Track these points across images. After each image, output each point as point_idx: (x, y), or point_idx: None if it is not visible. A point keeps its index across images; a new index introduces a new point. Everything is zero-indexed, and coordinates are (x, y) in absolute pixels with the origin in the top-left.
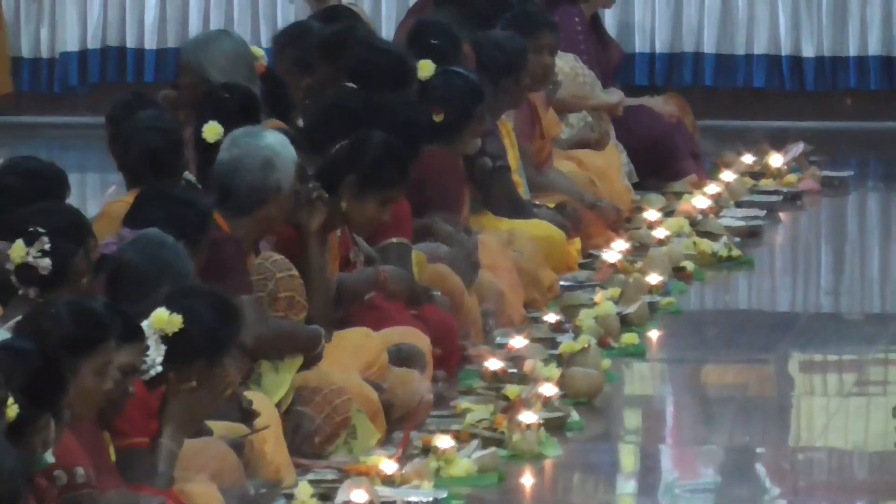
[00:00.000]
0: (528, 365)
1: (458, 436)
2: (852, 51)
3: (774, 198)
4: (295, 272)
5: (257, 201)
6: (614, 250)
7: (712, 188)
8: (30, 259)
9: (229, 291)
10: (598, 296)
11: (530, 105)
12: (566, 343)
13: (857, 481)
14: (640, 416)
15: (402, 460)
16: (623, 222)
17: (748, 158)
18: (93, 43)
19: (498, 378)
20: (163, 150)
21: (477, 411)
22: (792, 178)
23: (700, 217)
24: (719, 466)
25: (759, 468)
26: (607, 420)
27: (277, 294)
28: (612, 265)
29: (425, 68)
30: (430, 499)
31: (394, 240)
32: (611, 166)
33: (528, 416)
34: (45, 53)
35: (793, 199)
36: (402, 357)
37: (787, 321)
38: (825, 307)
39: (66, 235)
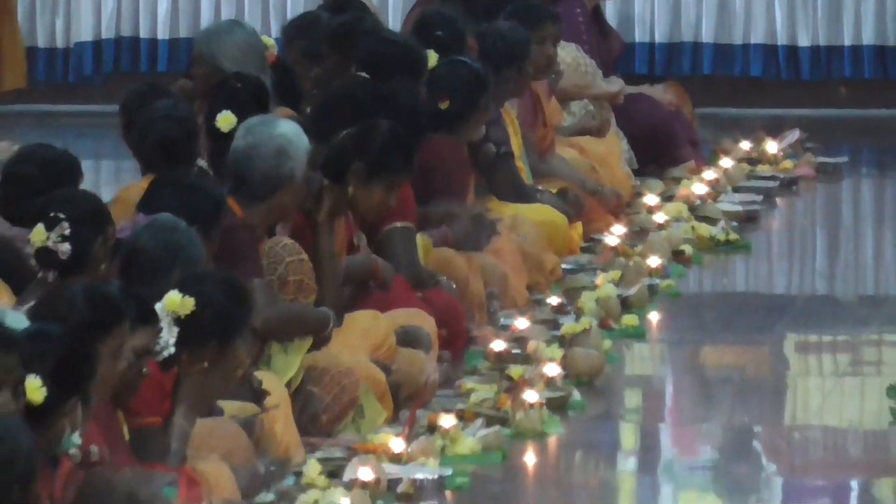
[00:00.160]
0: (531, 346)
1: (462, 415)
2: (847, 41)
3: (771, 183)
4: (304, 256)
5: (271, 188)
6: (615, 234)
7: (710, 174)
8: (50, 243)
9: (241, 275)
10: (599, 279)
11: (533, 94)
12: (568, 325)
13: (852, 459)
14: (640, 395)
15: (409, 439)
16: (623, 207)
17: (745, 145)
18: (107, 33)
19: (502, 359)
20: (178, 139)
21: (481, 391)
22: (788, 164)
23: (698, 202)
24: (717, 445)
25: (757, 447)
26: (608, 400)
27: (287, 278)
28: (613, 249)
29: (429, 59)
30: (436, 476)
31: (398, 224)
32: (611, 153)
33: (531, 396)
34: (60, 43)
35: (789, 184)
36: (409, 339)
37: (784, 303)
38: (820, 290)
39: (85, 222)
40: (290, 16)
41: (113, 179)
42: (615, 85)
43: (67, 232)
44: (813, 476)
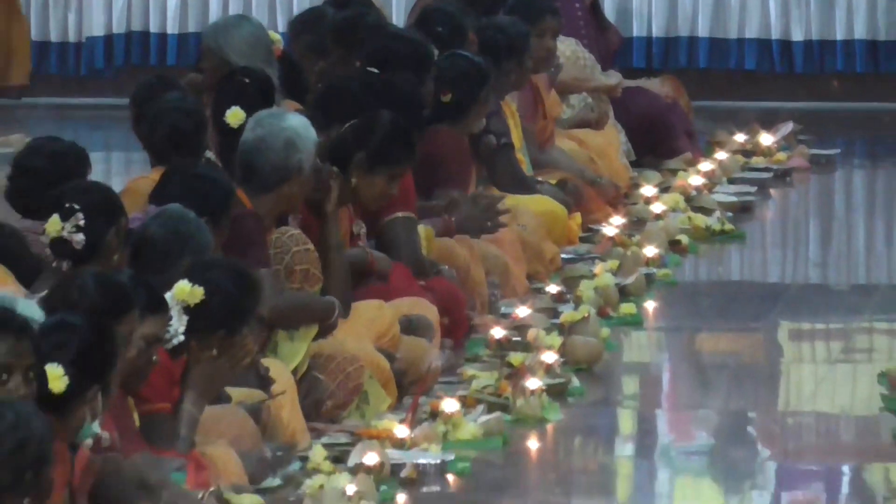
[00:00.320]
0: (531, 334)
1: (464, 401)
2: (839, 35)
3: (765, 175)
4: (310, 246)
5: (279, 179)
6: (613, 225)
7: (706, 165)
8: (65, 233)
9: (249, 264)
10: (598, 268)
11: (533, 87)
12: (567, 313)
13: (844, 444)
14: (638, 382)
15: (412, 424)
16: (621, 198)
17: (740, 137)
18: (118, 28)
19: (502, 346)
20: (186, 131)
21: (482, 378)
22: (782, 156)
23: (694, 193)
24: (713, 430)
25: (751, 431)
26: (606, 386)
27: (294, 267)
28: (611, 239)
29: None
30: (438, 461)
31: (399, 214)
32: (610, 145)
33: (531, 383)
34: (72, 38)
35: (782, 176)
36: (413, 327)
37: (777, 292)
38: (813, 278)
39: (99, 212)
40: (296, 11)
41: (123, 170)
42: (613, 78)
43: (82, 222)
44: (806, 460)
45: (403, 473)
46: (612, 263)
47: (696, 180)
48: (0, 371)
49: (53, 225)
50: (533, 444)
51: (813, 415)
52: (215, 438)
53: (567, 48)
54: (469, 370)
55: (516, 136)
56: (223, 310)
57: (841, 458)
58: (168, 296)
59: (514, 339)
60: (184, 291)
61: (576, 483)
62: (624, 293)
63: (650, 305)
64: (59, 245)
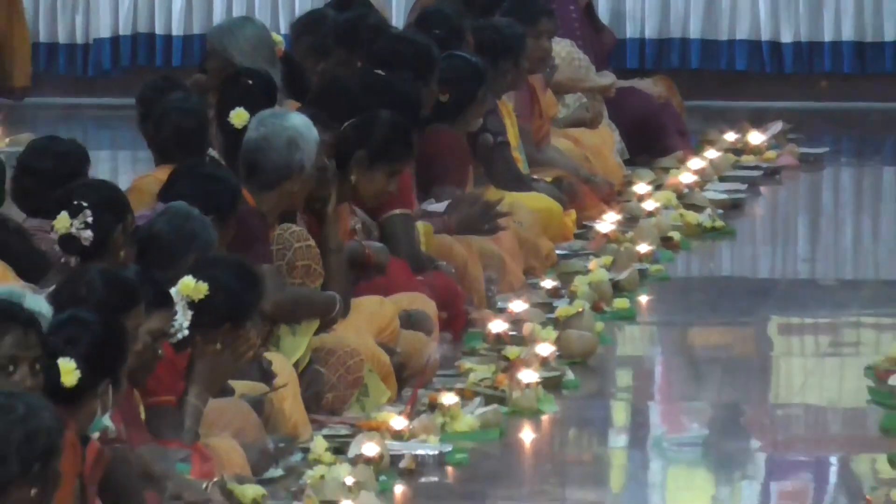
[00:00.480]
0: (527, 328)
1: (462, 393)
2: (827, 36)
3: (755, 173)
4: (312, 242)
5: (282, 177)
6: (607, 221)
7: (698, 164)
8: (73, 230)
9: (252, 260)
10: (592, 263)
11: (529, 87)
12: (562, 307)
13: (832, 435)
14: (631, 375)
15: (411, 416)
16: (615, 195)
17: (731, 136)
18: (124, 29)
19: (499, 340)
20: (190, 129)
21: (480, 371)
22: (771, 154)
23: (686, 190)
24: (704, 421)
25: (742, 423)
26: (600, 379)
27: (295, 263)
28: (605, 235)
29: None
30: (436, 452)
31: (397, 211)
32: (604, 144)
33: (527, 375)
34: (80, 39)
35: (772, 173)
36: (412, 321)
37: (767, 287)
38: (802, 274)
39: (107, 210)
40: (298, 13)
41: (130, 169)
42: (607, 78)
43: (90, 219)
44: (795, 451)
45: (402, 464)
46: (606, 259)
47: (687, 178)
48: (7, 363)
49: (62, 222)
50: (528, 435)
51: (802, 407)
52: (219, 430)
53: (562, 49)
54: (466, 363)
55: (513, 135)
56: (227, 305)
57: (829, 448)
58: (173, 291)
59: (511, 333)
60: (189, 287)
61: (570, 473)
62: (617, 288)
63: (643, 300)
64: (68, 241)
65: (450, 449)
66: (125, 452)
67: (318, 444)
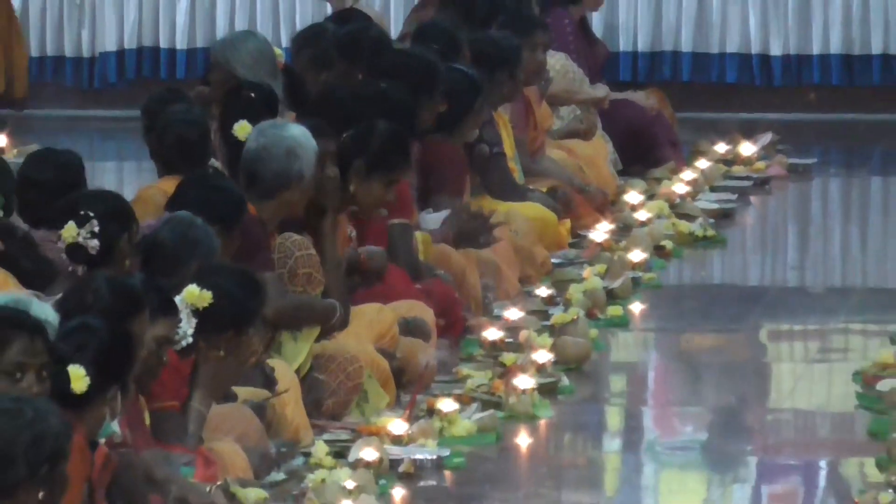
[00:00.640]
0: (523, 335)
1: (459, 399)
2: (816, 49)
3: (745, 183)
4: (312, 251)
5: (281, 186)
6: (601, 230)
7: (689, 174)
8: (80, 239)
9: (254, 268)
10: (587, 272)
11: (525, 99)
12: (557, 314)
13: (821, 439)
14: (625, 380)
15: (410, 421)
16: (609, 205)
17: (721, 147)
18: (129, 43)
19: (496, 346)
20: (192, 141)
21: (477, 377)
22: (761, 165)
23: (678, 200)
24: (697, 426)
25: (733, 427)
26: (595, 384)
27: (297, 271)
28: (599, 244)
29: None
30: (435, 456)
31: (395, 220)
32: (598, 155)
33: (523, 381)
34: (86, 53)
35: (762, 184)
36: (410, 328)
37: (757, 294)
38: (791, 281)
39: (113, 219)
40: (299, 26)
41: (135, 179)
42: (601, 91)
43: (97, 229)
44: (785, 455)
45: (401, 468)
46: (600, 267)
47: (679, 188)
48: (14, 370)
49: (69, 231)
50: (525, 439)
51: (791, 411)
52: (222, 435)
53: (557, 62)
54: (464, 370)
55: (508, 146)
56: (230, 312)
57: (818, 452)
58: (178, 299)
59: (507, 340)
60: (193, 295)
61: (565, 476)
62: (611, 296)
63: (636, 307)
64: (75, 250)
65: (448, 453)
66: (129, 457)
67: (319, 449)
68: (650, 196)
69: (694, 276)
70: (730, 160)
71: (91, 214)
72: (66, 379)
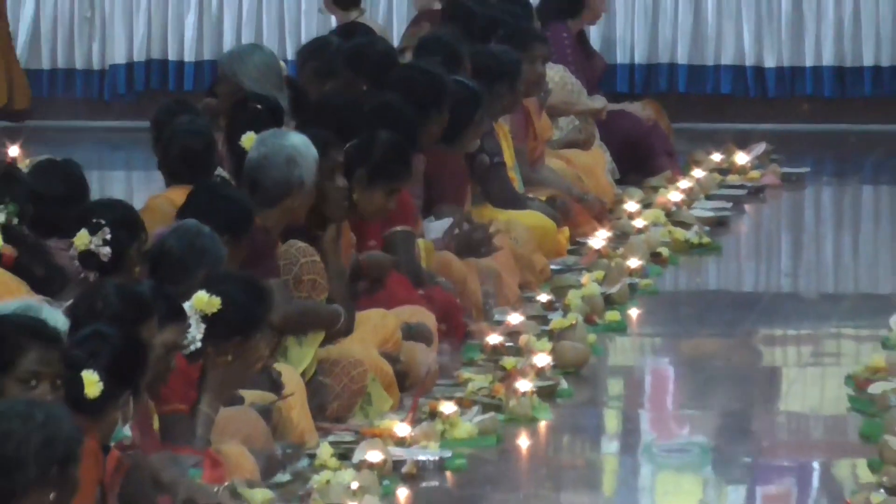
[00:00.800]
0: (522, 339)
1: (461, 402)
2: (808, 62)
3: (740, 191)
4: (317, 258)
5: (282, 194)
6: (599, 238)
7: (685, 183)
8: (92, 247)
9: (260, 275)
10: (585, 278)
11: (525, 110)
12: (556, 320)
13: (814, 441)
14: (622, 384)
15: (412, 424)
16: (607, 213)
17: (717, 157)
18: (138, 56)
19: (496, 351)
20: (197, 150)
21: (478, 380)
22: (755, 174)
23: (674, 208)
24: (692, 428)
25: (728, 430)
26: (593, 388)
27: (302, 277)
28: (597, 251)
29: None
30: (437, 458)
31: (398, 228)
32: (596, 164)
33: (523, 385)
34: (96, 65)
35: (756, 192)
36: (413, 333)
37: (752, 300)
38: (785, 288)
39: (124, 228)
40: (303, 39)
41: (143, 188)
42: (599, 102)
43: (108, 236)
44: (778, 457)
45: (404, 469)
46: (598, 274)
47: (675, 197)
48: (29, 377)
49: (82, 239)
50: (524, 442)
51: (785, 414)
52: (229, 437)
53: (556, 74)
54: (465, 373)
55: (508, 156)
56: (238, 319)
57: (811, 454)
58: (187, 305)
59: (508, 344)
60: (202, 301)
61: (564, 478)
62: (609, 301)
63: (633, 313)
64: (87, 257)
65: (449, 455)
66: (138, 458)
67: (324, 451)
68: (647, 204)
69: (690, 283)
70: (725, 169)
71: (103, 222)
72: (80, 385)
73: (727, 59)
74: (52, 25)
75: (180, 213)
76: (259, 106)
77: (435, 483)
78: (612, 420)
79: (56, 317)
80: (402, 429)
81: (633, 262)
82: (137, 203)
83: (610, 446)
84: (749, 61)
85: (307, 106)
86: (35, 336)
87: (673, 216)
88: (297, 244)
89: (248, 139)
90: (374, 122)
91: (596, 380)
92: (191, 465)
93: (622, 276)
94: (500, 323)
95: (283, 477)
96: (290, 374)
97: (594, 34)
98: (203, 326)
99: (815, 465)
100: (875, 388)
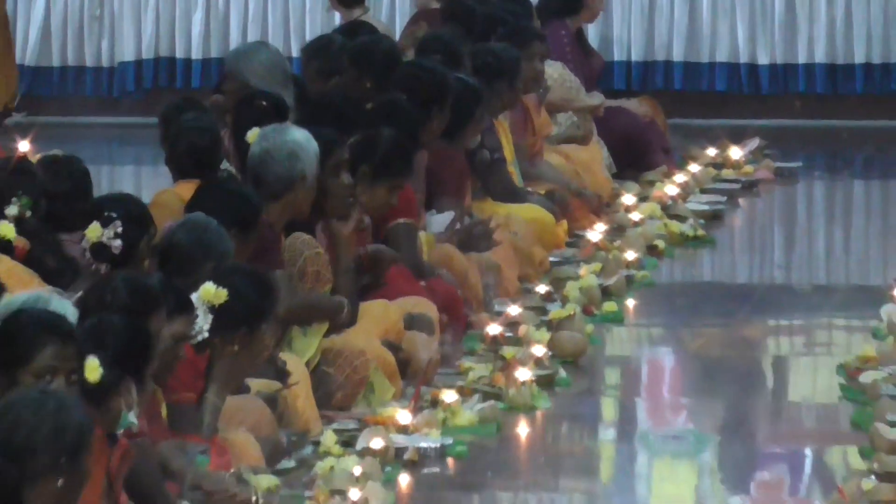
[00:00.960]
0: (522, 330)
1: (461, 391)
2: (801, 59)
3: (734, 186)
4: (321, 250)
5: (284, 188)
6: (596, 231)
7: (680, 177)
8: (104, 239)
9: (265, 268)
10: (583, 270)
11: (524, 106)
12: (555, 311)
13: (807, 429)
14: (619, 373)
15: (414, 412)
16: (604, 207)
17: (711, 152)
18: (147, 53)
19: (496, 341)
20: (203, 147)
21: (478, 370)
22: (749, 168)
23: (670, 202)
24: (686, 416)
25: (722, 418)
26: (590, 377)
27: (306, 269)
28: (595, 244)
29: None
30: (438, 445)
31: (401, 220)
32: (594, 159)
33: (522, 374)
34: (105, 63)
35: (750, 186)
36: (415, 323)
37: (745, 292)
38: (778, 280)
39: (134, 222)
40: (308, 37)
41: (151, 184)
42: (596, 99)
43: (120, 229)
44: (772, 444)
45: (406, 456)
46: (596, 266)
47: (671, 191)
48: (45, 372)
49: (94, 231)
50: (524, 429)
51: (778, 403)
52: (236, 425)
53: (554, 71)
54: (466, 363)
55: (508, 151)
56: (244, 310)
57: (804, 441)
58: (194, 297)
59: (507, 334)
60: (209, 293)
61: (563, 465)
62: (606, 293)
63: (630, 304)
64: (99, 250)
65: (450, 442)
66: (146, 447)
67: (328, 438)
68: (643, 198)
69: (685, 275)
70: (719, 164)
71: (114, 216)
72: (81, 371)
73: (722, 56)
74: (62, 24)
75: (188, 208)
76: (264, 103)
77: (436, 470)
78: (609, 408)
79: (65, 307)
80: (404, 417)
81: (630, 255)
82: (146, 198)
83: (607, 434)
84: (743, 59)
85: (309, 103)
86: (52, 332)
87: (669, 210)
88: (301, 237)
89: (254, 135)
90: (378, 120)
91: (593, 369)
92: (198, 453)
93: (619, 268)
94: (499, 314)
95: (288, 463)
96: (295, 363)
97: (592, 32)
98: (210, 318)
99: (808, 452)
100: (866, 378)
